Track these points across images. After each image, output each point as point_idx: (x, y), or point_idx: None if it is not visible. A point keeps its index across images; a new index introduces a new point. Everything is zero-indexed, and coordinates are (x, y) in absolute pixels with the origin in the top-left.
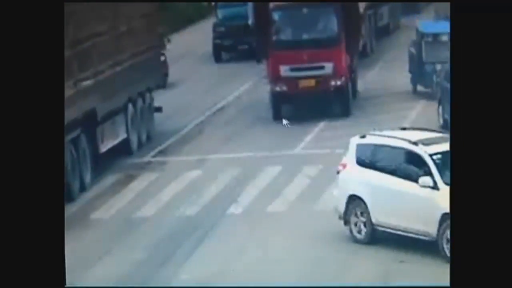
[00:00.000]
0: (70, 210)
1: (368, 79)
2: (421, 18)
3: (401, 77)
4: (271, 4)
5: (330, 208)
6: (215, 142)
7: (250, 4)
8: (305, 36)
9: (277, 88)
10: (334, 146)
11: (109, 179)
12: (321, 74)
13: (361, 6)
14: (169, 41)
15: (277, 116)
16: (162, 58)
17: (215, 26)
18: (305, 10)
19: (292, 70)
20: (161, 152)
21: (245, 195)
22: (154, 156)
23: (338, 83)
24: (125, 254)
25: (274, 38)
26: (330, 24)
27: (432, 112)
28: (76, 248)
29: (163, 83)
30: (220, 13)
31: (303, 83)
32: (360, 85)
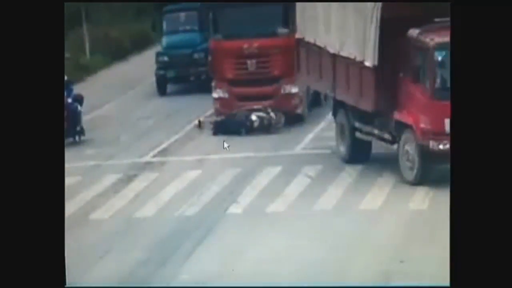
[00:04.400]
0: (70, 210)
1: None
2: None
3: None
4: (432, 41)
5: (330, 208)
6: None
7: (371, 34)
8: None
9: (440, 146)
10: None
11: (109, 179)
12: None
13: None
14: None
15: (425, 180)
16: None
17: (158, 55)
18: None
19: None
20: (161, 152)
21: (245, 195)
22: (154, 156)
23: None
24: (125, 254)
25: (437, 85)
26: None
27: None
28: (76, 248)
29: None
30: (165, 41)
31: None
32: None
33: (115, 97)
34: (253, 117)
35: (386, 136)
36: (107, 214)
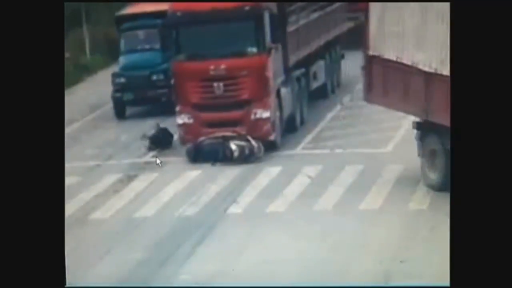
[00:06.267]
0: (70, 210)
1: None
2: None
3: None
4: None
5: (330, 208)
6: None
7: None
8: None
9: None
10: (334, 146)
11: (109, 179)
12: None
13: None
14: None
15: None
16: None
17: (114, 76)
18: None
19: None
20: (161, 152)
21: (245, 195)
22: (154, 156)
23: None
24: (125, 254)
25: None
26: None
27: None
28: (76, 248)
29: None
30: (122, 61)
31: None
32: None
33: None
34: (232, 146)
35: None
36: (107, 214)
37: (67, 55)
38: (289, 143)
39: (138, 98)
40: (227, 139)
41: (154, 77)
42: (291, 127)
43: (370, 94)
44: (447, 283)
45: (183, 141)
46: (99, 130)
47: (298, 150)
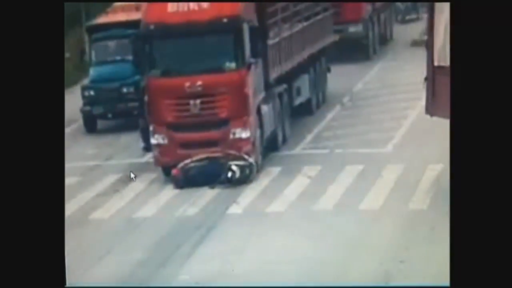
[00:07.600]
0: (70, 210)
1: None
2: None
3: None
4: None
5: (330, 208)
6: None
7: None
8: None
9: None
10: (334, 146)
11: (109, 179)
12: None
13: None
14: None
15: None
16: None
17: (83, 89)
18: None
19: None
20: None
21: (245, 195)
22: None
23: None
24: (125, 254)
25: None
26: None
27: None
28: (76, 248)
29: None
30: (92, 73)
31: None
32: None
33: None
34: (233, 167)
35: None
36: (107, 214)
37: (67, 55)
38: (289, 143)
39: (108, 111)
40: (212, 159)
41: (124, 90)
42: (272, 146)
43: (433, 106)
44: (447, 283)
45: (157, 163)
46: (99, 130)
47: (298, 150)
